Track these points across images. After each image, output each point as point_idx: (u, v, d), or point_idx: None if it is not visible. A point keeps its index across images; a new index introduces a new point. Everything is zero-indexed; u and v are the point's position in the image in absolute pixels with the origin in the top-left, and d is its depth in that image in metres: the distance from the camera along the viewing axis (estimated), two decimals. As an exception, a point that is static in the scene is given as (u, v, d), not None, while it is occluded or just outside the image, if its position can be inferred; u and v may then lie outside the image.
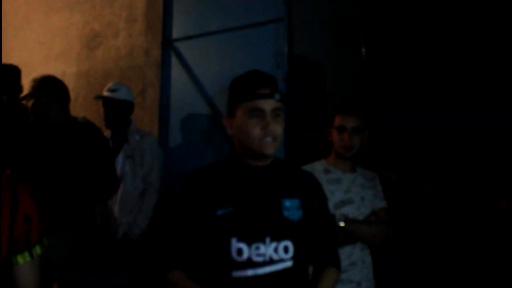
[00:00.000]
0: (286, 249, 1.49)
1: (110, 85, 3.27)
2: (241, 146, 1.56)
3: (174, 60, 3.65)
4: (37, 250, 1.59)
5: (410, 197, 3.34)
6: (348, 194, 2.37)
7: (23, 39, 5.11)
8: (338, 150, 2.38)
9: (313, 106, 3.63)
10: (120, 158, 3.17)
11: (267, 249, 1.47)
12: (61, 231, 2.64)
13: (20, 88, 3.64)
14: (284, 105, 1.56)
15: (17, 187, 1.56)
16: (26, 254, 1.56)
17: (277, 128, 1.50)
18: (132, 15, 3.99)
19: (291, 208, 1.53)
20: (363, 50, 5.01)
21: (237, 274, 1.45)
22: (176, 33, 3.67)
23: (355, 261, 2.32)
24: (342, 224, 2.22)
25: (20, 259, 1.55)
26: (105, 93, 3.21)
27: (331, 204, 2.30)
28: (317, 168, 2.41)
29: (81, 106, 4.36)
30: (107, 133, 3.32)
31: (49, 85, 2.77)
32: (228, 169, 1.59)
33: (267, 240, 1.48)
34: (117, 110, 3.19)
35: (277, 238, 1.49)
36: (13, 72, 3.70)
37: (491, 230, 3.12)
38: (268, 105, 1.50)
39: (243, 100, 1.51)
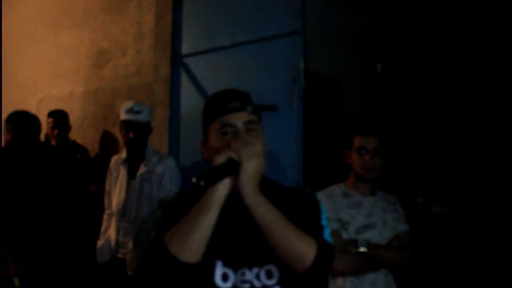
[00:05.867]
0: (269, 274, 1.34)
1: (131, 105, 3.01)
2: None
3: (183, 77, 3.52)
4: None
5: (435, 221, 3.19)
6: (370, 219, 2.26)
7: (30, 58, 5.01)
8: (359, 172, 2.28)
9: (330, 123, 3.49)
10: (137, 181, 2.99)
11: (251, 275, 1.33)
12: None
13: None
14: (259, 118, 1.41)
15: None
16: None
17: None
18: (141, 32, 3.88)
19: None
20: (378, 66, 4.93)
21: None
22: (185, 48, 3.55)
23: (379, 289, 2.20)
24: (364, 249, 2.12)
25: None
26: (128, 115, 3.00)
27: (352, 229, 2.23)
28: (335, 192, 2.32)
29: (89, 126, 4.25)
30: (118, 155, 3.18)
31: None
32: None
33: (249, 264, 1.34)
34: (142, 132, 3.03)
35: (259, 262, 1.34)
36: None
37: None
38: (239, 119, 1.36)
39: (213, 119, 1.39)
